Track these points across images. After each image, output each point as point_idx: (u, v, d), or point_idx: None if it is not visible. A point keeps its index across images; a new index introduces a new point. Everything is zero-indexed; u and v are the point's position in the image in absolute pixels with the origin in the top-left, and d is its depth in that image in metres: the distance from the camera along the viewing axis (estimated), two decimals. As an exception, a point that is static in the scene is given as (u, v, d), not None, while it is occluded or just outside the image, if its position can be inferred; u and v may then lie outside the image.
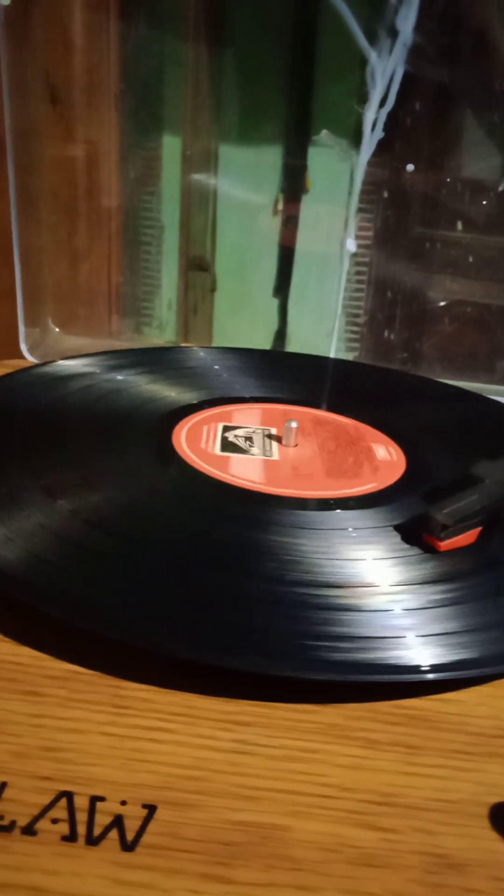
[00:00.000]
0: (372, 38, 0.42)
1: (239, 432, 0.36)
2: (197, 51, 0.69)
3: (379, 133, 0.43)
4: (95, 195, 0.70)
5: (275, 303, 0.75)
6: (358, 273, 0.72)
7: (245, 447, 0.35)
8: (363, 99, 0.44)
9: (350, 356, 0.73)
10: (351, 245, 0.48)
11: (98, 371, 0.40)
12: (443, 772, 0.22)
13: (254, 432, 0.37)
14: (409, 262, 0.70)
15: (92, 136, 0.70)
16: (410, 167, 0.50)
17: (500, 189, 0.52)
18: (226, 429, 0.36)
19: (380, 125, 0.42)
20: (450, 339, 0.72)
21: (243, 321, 0.77)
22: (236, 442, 0.35)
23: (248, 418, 0.38)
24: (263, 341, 0.74)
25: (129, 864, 0.18)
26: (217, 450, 0.34)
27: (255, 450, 0.35)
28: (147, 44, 0.69)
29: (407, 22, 0.41)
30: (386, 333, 0.74)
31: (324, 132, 0.49)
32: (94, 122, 0.69)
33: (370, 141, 0.42)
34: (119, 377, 0.40)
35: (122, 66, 0.69)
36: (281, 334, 0.76)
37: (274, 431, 0.37)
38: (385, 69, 0.41)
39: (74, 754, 0.21)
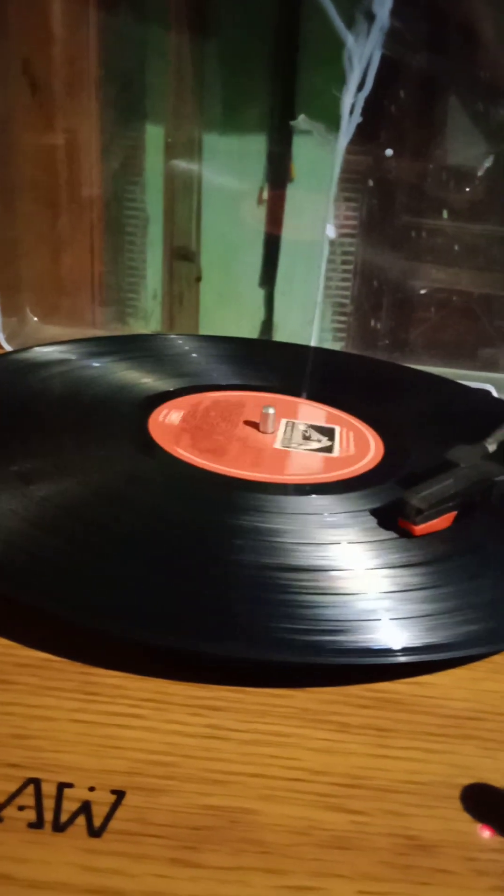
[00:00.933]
0: (349, 22, 0.42)
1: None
2: (179, 39, 0.68)
3: (357, 117, 0.42)
4: (76, 185, 0.70)
5: (261, 293, 0.74)
6: (344, 263, 0.72)
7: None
8: (358, 88, 0.44)
9: (337, 346, 0.73)
10: (330, 231, 0.48)
11: (74, 358, 0.40)
12: (415, 754, 0.22)
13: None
14: (395, 251, 0.70)
15: (72, 126, 0.69)
16: (389, 152, 0.50)
17: (480, 174, 0.52)
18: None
19: (358, 109, 0.42)
20: (436, 327, 0.72)
21: (230, 311, 0.77)
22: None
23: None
24: (250, 331, 0.74)
25: (96, 850, 0.18)
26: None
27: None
28: (129, 33, 0.68)
29: (384, 6, 0.40)
30: (372, 323, 0.74)
31: (301, 116, 0.49)
32: (74, 112, 0.69)
33: (349, 125, 0.42)
34: (94, 364, 0.39)
35: (103, 55, 0.68)
36: (268, 324, 0.75)
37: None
38: (362, 53, 0.41)
39: (43, 741, 0.21)
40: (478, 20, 0.58)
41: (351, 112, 0.42)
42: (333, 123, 0.44)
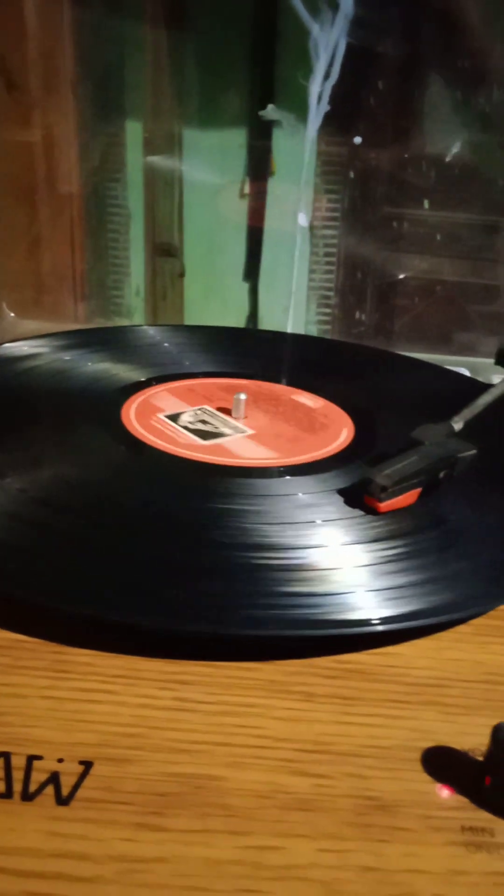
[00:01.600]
0: (314, 11, 0.42)
1: (188, 408, 0.36)
2: (156, 34, 0.68)
3: (325, 106, 0.43)
4: (54, 182, 0.70)
5: (245, 285, 0.75)
6: (327, 254, 0.73)
7: (198, 421, 0.35)
8: (325, 77, 0.44)
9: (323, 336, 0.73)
10: (302, 219, 0.48)
11: (46, 352, 0.40)
12: (378, 720, 0.22)
13: (204, 408, 0.37)
14: (376, 241, 0.70)
15: (49, 123, 0.69)
16: (358, 140, 0.50)
17: (450, 161, 0.53)
18: (175, 406, 0.37)
19: (325, 98, 0.42)
20: (418, 314, 0.72)
21: (214, 305, 0.77)
22: (189, 418, 0.36)
23: (195, 394, 0.38)
24: (236, 324, 0.74)
25: (63, 817, 0.19)
26: (168, 425, 0.35)
27: (207, 424, 0.35)
28: (105, 28, 0.68)
29: (347, -7, 0.41)
30: (357, 313, 0.75)
31: (269, 106, 0.49)
32: (51, 109, 0.69)
33: (317, 114, 0.42)
34: (66, 357, 0.40)
35: (79, 51, 0.68)
36: (253, 316, 0.76)
37: (224, 405, 0.37)
38: (328, 42, 0.41)
39: (14, 717, 0.21)
40: (448, 5, 0.59)
41: (319, 101, 0.42)
42: (303, 113, 0.44)
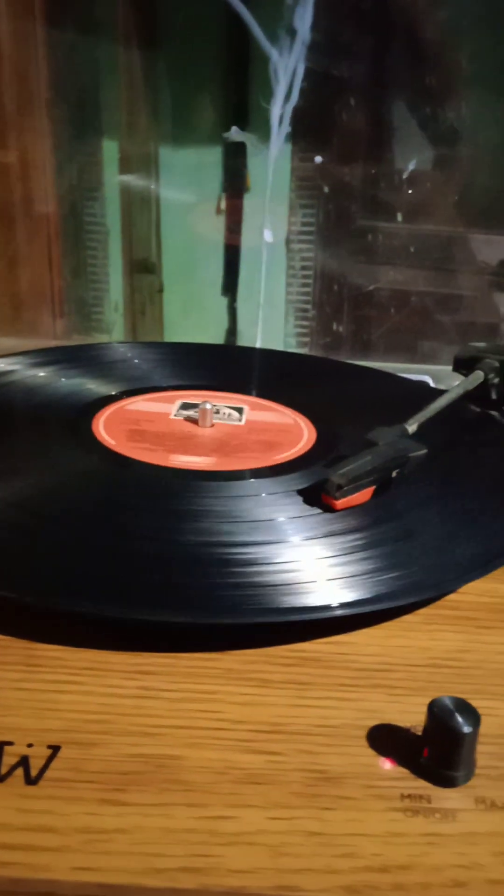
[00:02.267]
0: (273, 38, 0.44)
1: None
2: (130, 55, 0.70)
3: (286, 127, 0.45)
4: (31, 201, 0.72)
5: (223, 300, 0.76)
6: (304, 268, 0.74)
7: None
8: (285, 100, 0.46)
9: (302, 350, 0.75)
10: (268, 235, 0.50)
11: (19, 368, 0.42)
12: (328, 702, 0.24)
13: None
14: (351, 254, 0.72)
15: (25, 143, 0.71)
16: (319, 159, 0.52)
17: (405, 177, 0.55)
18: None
19: (286, 120, 0.44)
20: (393, 326, 0.74)
21: (193, 321, 0.79)
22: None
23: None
24: (215, 339, 0.76)
25: (32, 795, 0.20)
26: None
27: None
28: (79, 50, 0.70)
29: (304, 21, 0.43)
30: (334, 325, 0.76)
31: (233, 128, 0.51)
32: (26, 129, 0.71)
33: (278, 135, 0.44)
34: (41, 374, 0.41)
35: (54, 72, 0.70)
36: (232, 332, 0.77)
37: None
38: (287, 66, 0.43)
39: (-13, 708, 0.23)
40: (406, 25, 0.61)
41: (280, 122, 0.44)
42: (266, 134, 0.47)
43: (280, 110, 0.44)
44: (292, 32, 0.43)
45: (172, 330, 0.79)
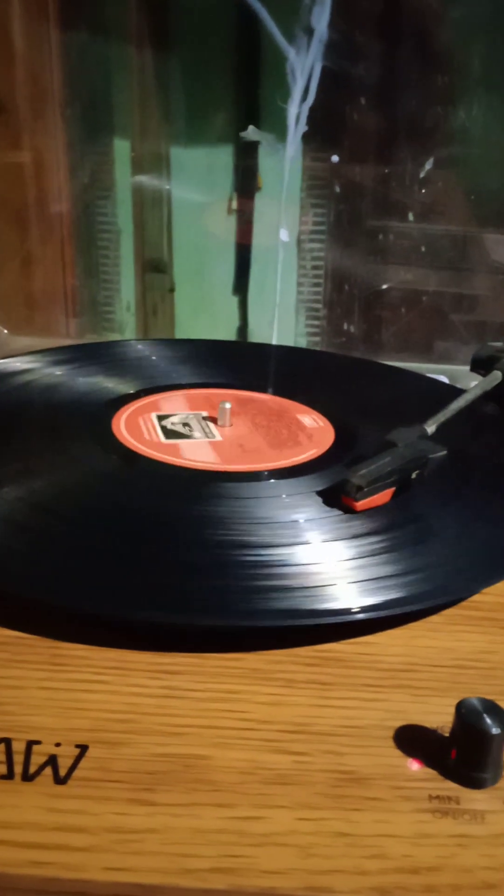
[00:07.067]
0: (290, 36, 0.44)
1: (175, 418, 0.38)
2: (142, 55, 0.70)
3: (303, 127, 0.45)
4: (45, 201, 0.72)
5: (235, 300, 0.76)
6: (315, 268, 0.74)
7: (184, 431, 0.37)
8: (302, 99, 0.46)
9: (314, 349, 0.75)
10: (284, 235, 0.50)
11: (38, 367, 0.42)
12: (353, 703, 0.24)
13: (190, 416, 0.39)
14: (363, 254, 0.72)
15: (39, 144, 0.71)
16: (335, 158, 0.52)
17: (418, 176, 0.55)
18: (161, 417, 0.38)
19: (303, 119, 0.44)
20: (404, 325, 0.74)
21: (205, 319, 0.79)
22: (175, 428, 0.37)
23: (181, 404, 0.40)
24: (226, 338, 0.76)
25: (61, 794, 0.20)
26: (158, 435, 0.36)
27: (194, 433, 0.37)
28: (92, 51, 0.70)
29: (321, 20, 0.43)
30: (345, 324, 0.76)
31: (250, 128, 0.51)
32: (40, 130, 0.71)
33: (295, 135, 0.44)
34: (58, 372, 0.41)
35: (67, 73, 0.70)
36: (242, 331, 0.77)
37: (207, 414, 0.39)
38: (304, 66, 0.43)
39: (14, 707, 0.23)
40: (419, 26, 0.61)
41: (297, 122, 0.44)
42: (285, 133, 0.46)
43: (297, 109, 0.44)
44: (309, 31, 0.43)
45: (184, 329, 0.79)
